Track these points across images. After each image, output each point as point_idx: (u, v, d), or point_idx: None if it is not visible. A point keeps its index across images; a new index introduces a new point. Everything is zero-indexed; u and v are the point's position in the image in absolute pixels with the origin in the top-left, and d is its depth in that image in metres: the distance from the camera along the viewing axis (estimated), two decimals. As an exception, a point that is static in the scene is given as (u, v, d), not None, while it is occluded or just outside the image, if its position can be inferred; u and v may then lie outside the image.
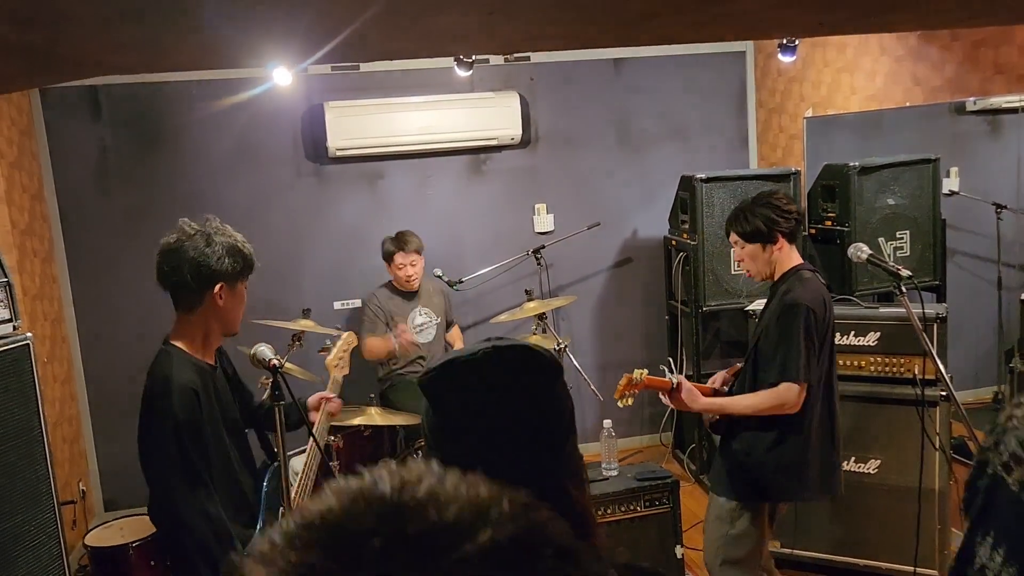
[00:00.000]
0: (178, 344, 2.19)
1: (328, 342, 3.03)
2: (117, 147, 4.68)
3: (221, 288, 2.16)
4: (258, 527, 2.27)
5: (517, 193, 5.18)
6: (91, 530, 3.66)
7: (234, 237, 2.20)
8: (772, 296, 2.74)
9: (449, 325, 4.74)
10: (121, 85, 4.60)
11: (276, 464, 2.34)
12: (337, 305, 4.98)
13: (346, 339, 2.94)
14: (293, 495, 2.31)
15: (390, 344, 4.35)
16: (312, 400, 2.63)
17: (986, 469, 1.08)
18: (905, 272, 2.34)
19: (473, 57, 4.20)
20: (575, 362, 4.40)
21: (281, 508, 2.30)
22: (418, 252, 4.47)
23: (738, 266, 2.64)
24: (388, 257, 4.49)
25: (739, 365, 2.86)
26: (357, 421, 3.98)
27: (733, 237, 2.75)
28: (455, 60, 4.21)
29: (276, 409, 2.14)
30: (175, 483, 2.05)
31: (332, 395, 2.66)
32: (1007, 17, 2.77)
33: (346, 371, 2.86)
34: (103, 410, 4.75)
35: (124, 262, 4.65)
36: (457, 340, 4.76)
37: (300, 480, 2.41)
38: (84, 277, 4.67)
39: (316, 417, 2.58)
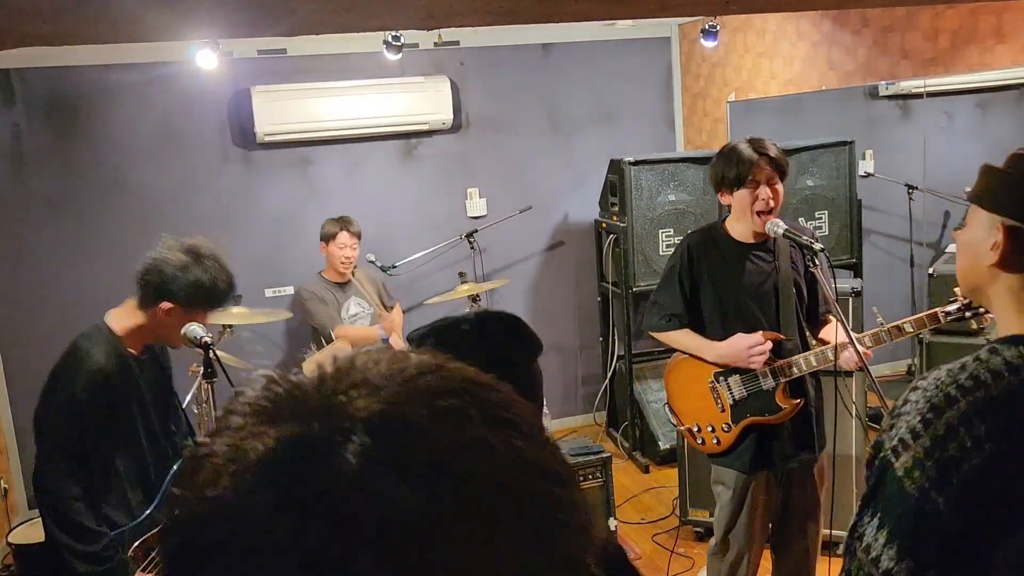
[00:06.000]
0: (111, 323, 2.20)
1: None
2: (33, 132, 4.51)
3: (172, 308, 2.16)
4: (152, 505, 2.31)
5: (449, 177, 5.19)
6: (14, 528, 3.56)
7: (214, 277, 2.17)
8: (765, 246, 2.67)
9: (388, 309, 4.73)
10: (35, 68, 4.43)
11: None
12: (269, 293, 4.92)
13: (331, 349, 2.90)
14: None
15: (376, 334, 4.37)
16: None
17: (880, 451, 1.15)
18: (818, 245, 2.45)
19: (402, 41, 4.19)
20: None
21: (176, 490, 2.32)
22: (359, 237, 4.46)
23: (769, 206, 2.53)
24: (330, 236, 4.42)
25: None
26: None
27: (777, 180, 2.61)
28: (384, 44, 4.19)
29: (209, 387, 2.14)
30: (52, 454, 2.10)
31: None
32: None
33: None
34: (24, 406, 4.58)
35: (45, 252, 4.50)
36: (398, 317, 4.75)
37: None
38: (1, 269, 4.50)
39: None
